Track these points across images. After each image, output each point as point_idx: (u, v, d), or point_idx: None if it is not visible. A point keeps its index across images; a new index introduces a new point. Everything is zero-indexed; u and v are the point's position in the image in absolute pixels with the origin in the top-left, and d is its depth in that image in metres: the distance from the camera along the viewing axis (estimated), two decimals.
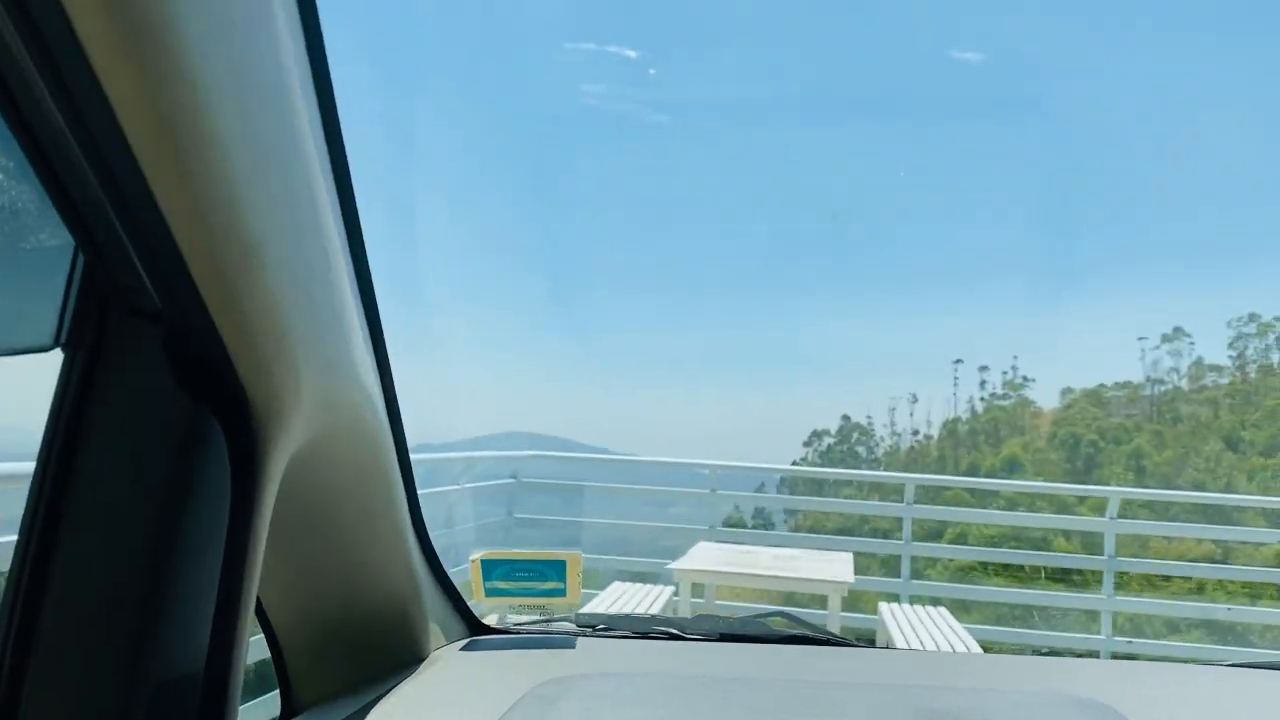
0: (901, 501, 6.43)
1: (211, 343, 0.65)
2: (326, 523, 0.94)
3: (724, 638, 1.35)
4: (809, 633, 1.40)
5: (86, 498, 0.65)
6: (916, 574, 6.34)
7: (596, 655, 1.15)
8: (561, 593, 1.24)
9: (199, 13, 0.52)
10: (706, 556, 5.34)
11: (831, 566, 5.02)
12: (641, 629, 1.34)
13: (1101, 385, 28.04)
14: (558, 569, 1.23)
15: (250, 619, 0.78)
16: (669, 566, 5.25)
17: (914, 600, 5.97)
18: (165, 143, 0.53)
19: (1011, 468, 25.29)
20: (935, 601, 5.87)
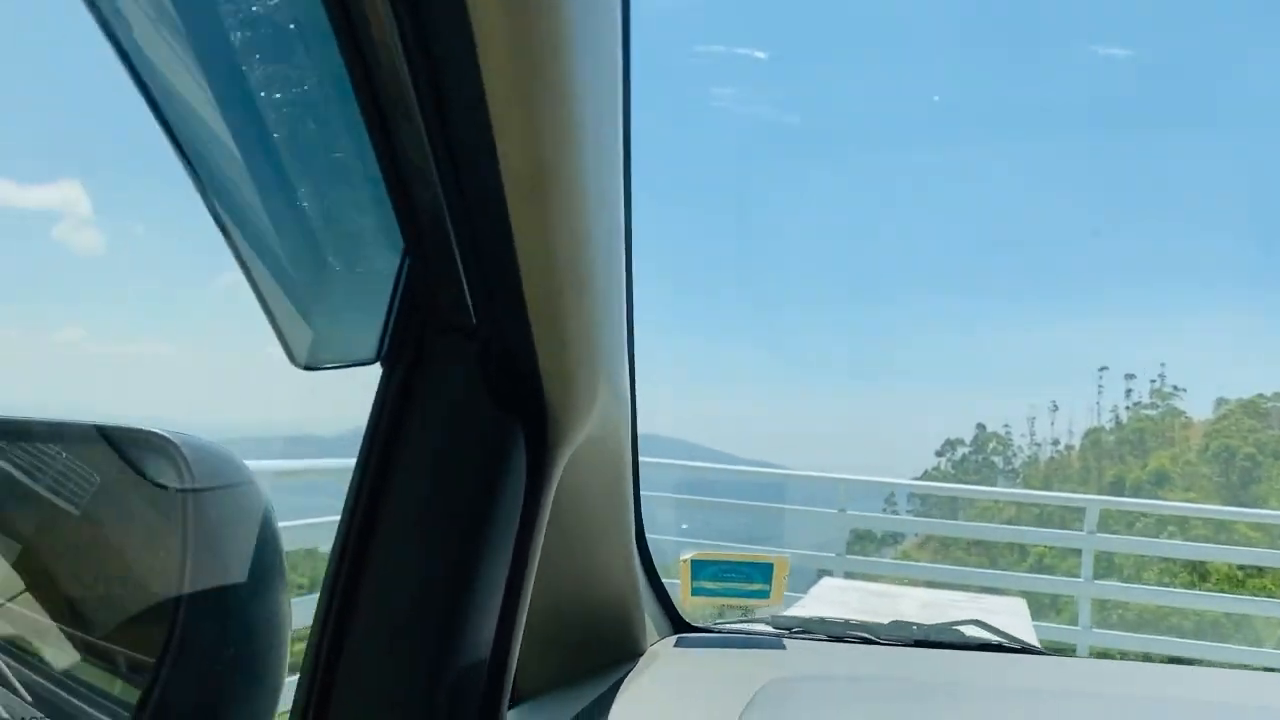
0: (1075, 528, 5.71)
1: (524, 357, 0.73)
2: (567, 520, 1.02)
3: (919, 644, 1.38)
4: (1005, 641, 1.42)
5: (400, 498, 0.73)
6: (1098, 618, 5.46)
7: (802, 658, 1.21)
8: (766, 594, 1.30)
9: (582, 71, 0.58)
10: (832, 600, 4.61)
11: (999, 619, 4.44)
12: (836, 633, 1.39)
13: (1260, 396, 26.39)
14: (765, 571, 1.29)
15: (526, 610, 0.87)
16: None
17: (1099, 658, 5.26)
18: (537, 187, 0.60)
19: (1159, 481, 24.06)
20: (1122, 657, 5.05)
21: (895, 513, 11.34)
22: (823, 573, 6.06)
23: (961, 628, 1.44)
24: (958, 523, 8.66)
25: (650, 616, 1.30)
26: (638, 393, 1.00)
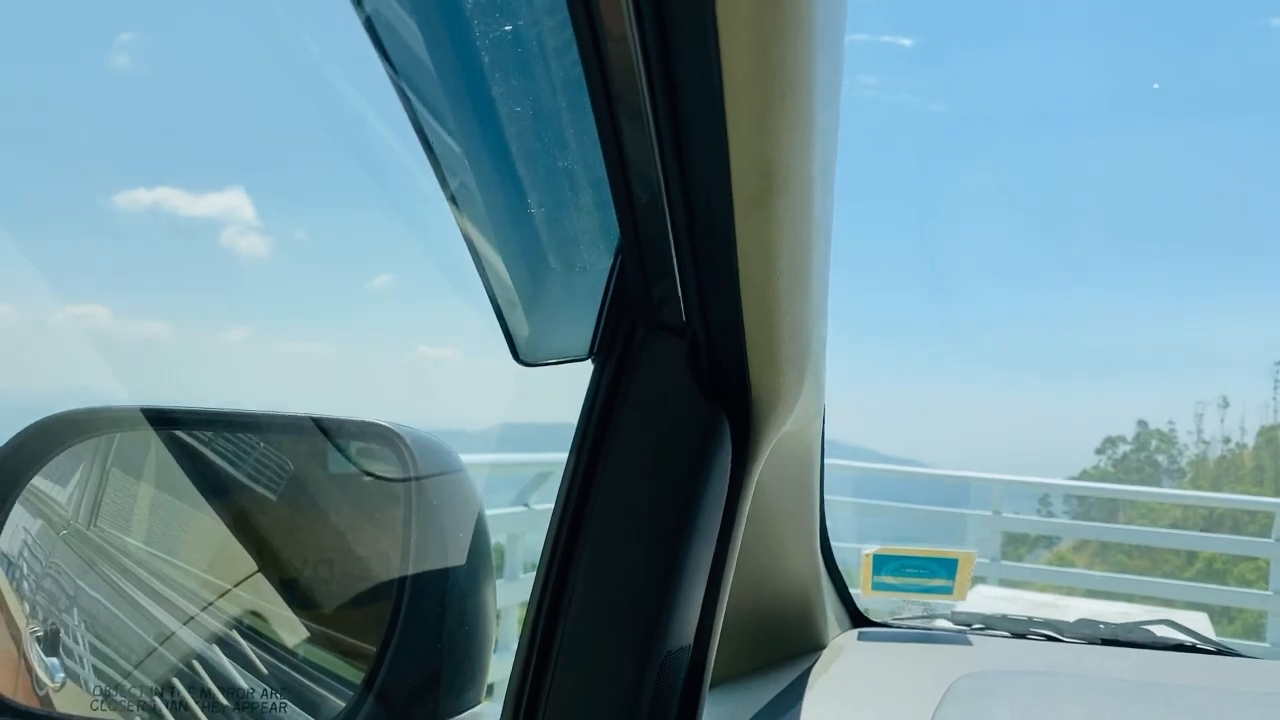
0: (1248, 533, 5.29)
1: (733, 353, 0.74)
2: (758, 512, 1.04)
3: (1105, 643, 1.34)
4: (1198, 642, 1.36)
5: (610, 489, 0.75)
6: None
7: (990, 654, 1.19)
8: (948, 590, 1.29)
9: (820, 70, 0.58)
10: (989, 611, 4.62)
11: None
12: (1020, 630, 1.36)
13: None
14: (948, 567, 1.28)
15: (726, 598, 0.89)
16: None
17: None
18: (767, 191, 0.61)
19: None
20: None
21: (1051, 514, 10.87)
22: (976, 579, 5.83)
23: (1151, 627, 1.38)
24: (1121, 526, 8.18)
25: (833, 610, 1.30)
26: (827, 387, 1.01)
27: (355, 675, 0.86)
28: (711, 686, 1.20)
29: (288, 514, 0.99)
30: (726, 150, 0.58)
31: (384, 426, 0.86)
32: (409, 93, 0.64)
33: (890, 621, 1.37)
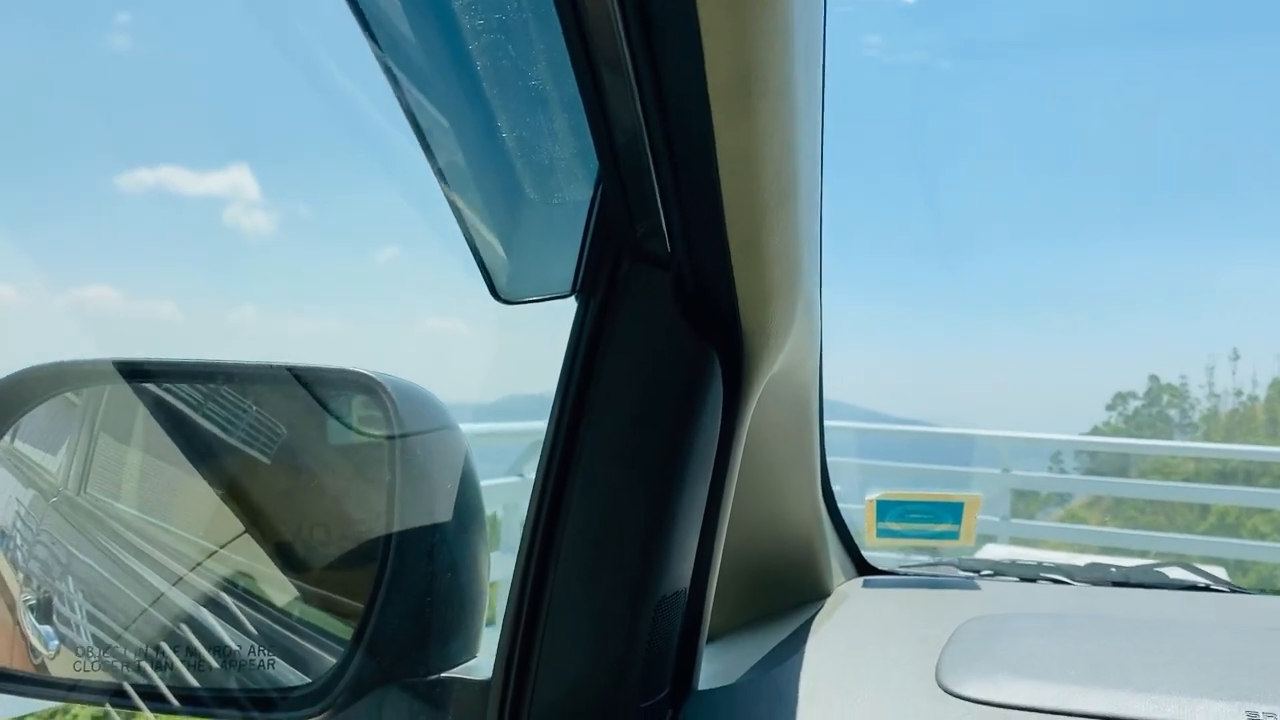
0: (1261, 485, 5.32)
1: (721, 282, 0.71)
2: (754, 458, 1.01)
3: (1117, 585, 1.31)
4: (1211, 583, 1.33)
5: (598, 430, 0.73)
6: None
7: (1000, 598, 1.17)
8: (954, 535, 1.26)
9: None
10: None
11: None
12: (1030, 575, 1.33)
13: None
14: (954, 511, 1.25)
15: (723, 541, 0.86)
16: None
17: None
18: (745, 94, 0.58)
19: None
20: None
21: (1062, 472, 10.83)
22: (985, 539, 5.80)
23: (1164, 570, 1.36)
24: (1133, 481, 8.13)
25: (837, 559, 1.28)
26: (825, 323, 0.98)
27: (346, 632, 0.84)
28: (712, 638, 1.18)
29: (271, 472, 0.96)
30: (701, 53, 0.55)
31: (366, 376, 0.83)
32: (369, 14, 0.61)
33: (896, 570, 1.35)
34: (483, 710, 0.76)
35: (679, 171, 0.65)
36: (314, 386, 0.87)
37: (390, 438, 0.81)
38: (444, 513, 0.83)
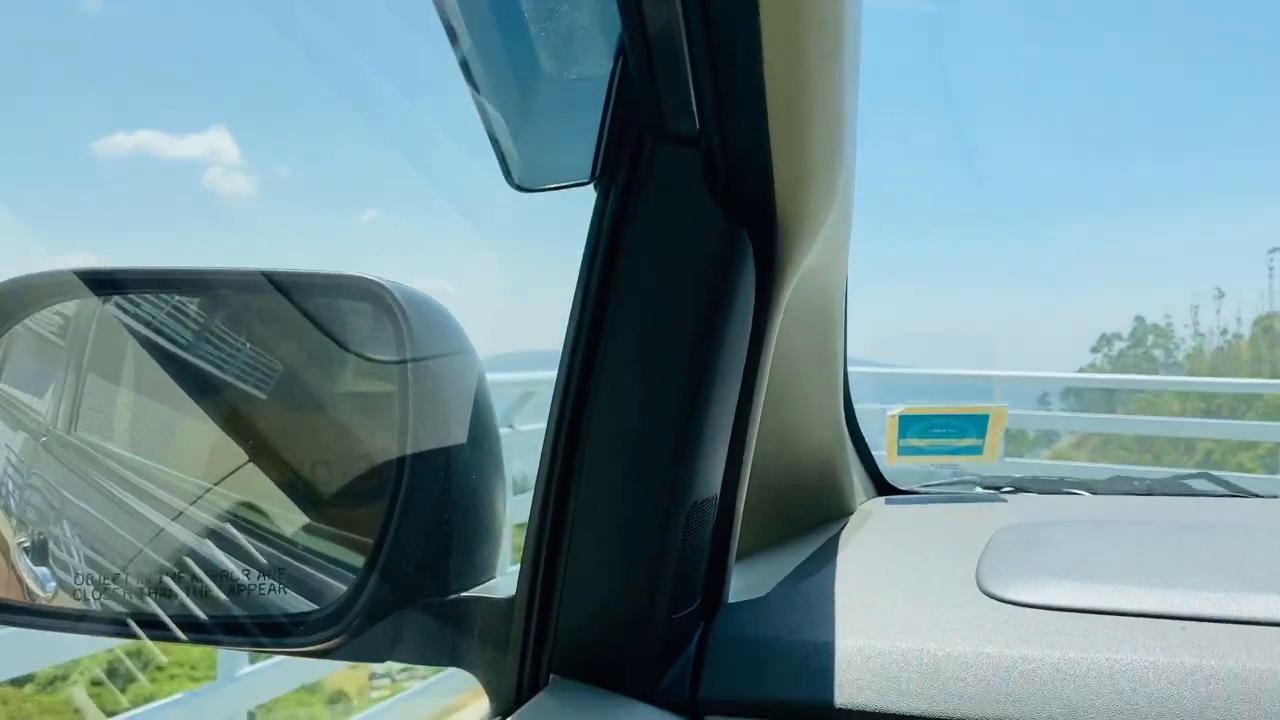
0: (1249, 419, 5.40)
1: (755, 161, 0.66)
2: (781, 363, 0.96)
3: (1143, 496, 1.29)
4: (1236, 492, 1.31)
5: (622, 326, 0.69)
6: None
7: (1029, 510, 1.13)
8: (978, 450, 1.22)
9: None
10: None
11: None
12: (1054, 489, 1.31)
13: None
14: (978, 425, 1.21)
15: (754, 444, 0.82)
16: None
17: None
18: None
19: None
20: None
21: (1050, 412, 10.88)
22: None
23: (1188, 481, 1.33)
24: (1124, 417, 8.19)
25: (855, 478, 1.24)
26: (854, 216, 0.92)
27: (358, 559, 0.79)
28: (739, 556, 1.15)
29: (273, 397, 0.91)
30: None
31: (372, 283, 0.78)
32: None
33: (918, 489, 1.32)
34: (507, 628, 0.72)
35: (713, 27, 0.59)
36: (314, 295, 0.82)
37: (402, 358, 0.76)
38: (458, 435, 0.79)
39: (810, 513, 1.17)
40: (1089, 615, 0.74)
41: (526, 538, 0.72)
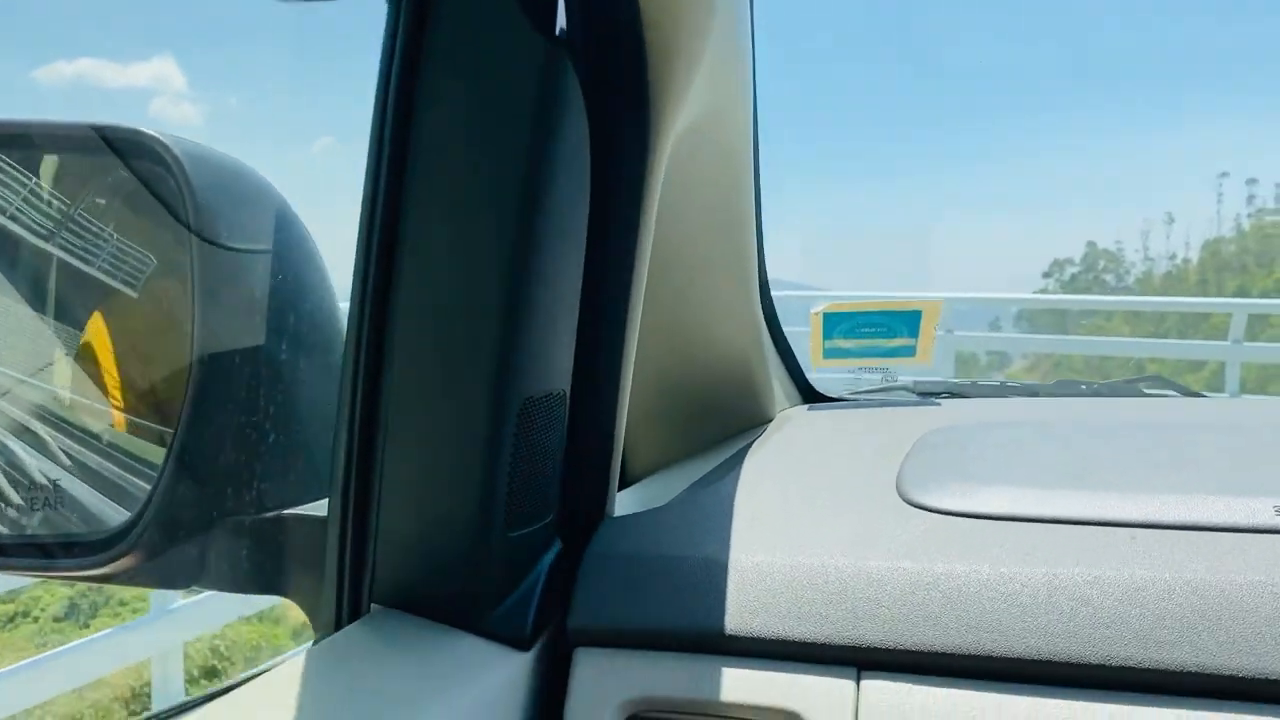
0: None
1: None
2: (679, 254, 0.83)
3: (1091, 397, 1.18)
4: (1191, 395, 1.21)
5: (425, 182, 0.55)
6: None
7: (961, 413, 1.02)
8: (910, 352, 1.10)
9: None
10: None
11: None
12: (994, 394, 1.20)
13: None
14: (910, 323, 1.08)
15: (635, 332, 0.69)
16: None
17: None
18: None
19: None
20: None
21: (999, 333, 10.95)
22: None
23: (1139, 384, 1.23)
24: (1078, 338, 8.22)
25: (778, 387, 1.12)
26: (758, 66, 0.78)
27: (158, 456, 0.66)
28: (636, 478, 1.03)
29: (52, 269, 0.75)
30: None
31: (150, 139, 0.63)
32: None
33: (846, 397, 1.20)
34: (324, 549, 0.60)
35: None
36: (85, 153, 0.67)
37: (187, 225, 0.62)
38: (273, 326, 0.65)
39: (727, 425, 1.05)
40: (1024, 524, 0.63)
41: (334, 445, 0.58)
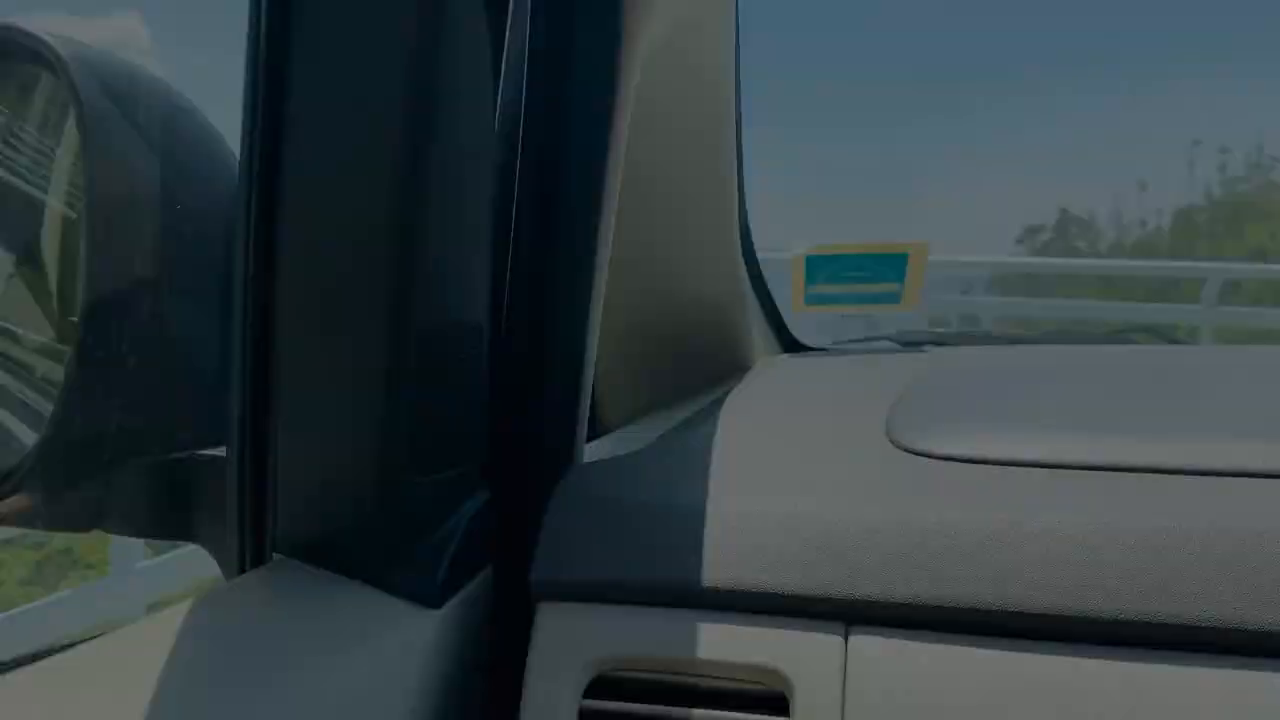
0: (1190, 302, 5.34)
1: None
2: (650, 189, 0.77)
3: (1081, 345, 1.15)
4: (1169, 345, 1.18)
5: (306, 83, 0.49)
6: None
7: (948, 361, 0.98)
8: (895, 297, 1.05)
9: None
10: None
11: None
12: (981, 341, 1.16)
13: None
14: (896, 266, 1.03)
15: (602, 269, 0.62)
16: None
17: None
18: None
19: (1258, 258, 22.92)
20: None
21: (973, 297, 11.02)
22: None
23: (1130, 337, 1.20)
24: (1051, 301, 8.22)
25: (757, 336, 1.07)
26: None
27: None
28: (608, 429, 0.98)
29: None
30: None
31: (35, 40, 0.56)
32: None
33: (830, 347, 1.16)
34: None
35: None
36: None
37: (79, 118, 0.54)
38: (175, 250, 0.58)
39: (704, 373, 1.00)
40: (1026, 469, 0.58)
41: (230, 380, 0.53)
